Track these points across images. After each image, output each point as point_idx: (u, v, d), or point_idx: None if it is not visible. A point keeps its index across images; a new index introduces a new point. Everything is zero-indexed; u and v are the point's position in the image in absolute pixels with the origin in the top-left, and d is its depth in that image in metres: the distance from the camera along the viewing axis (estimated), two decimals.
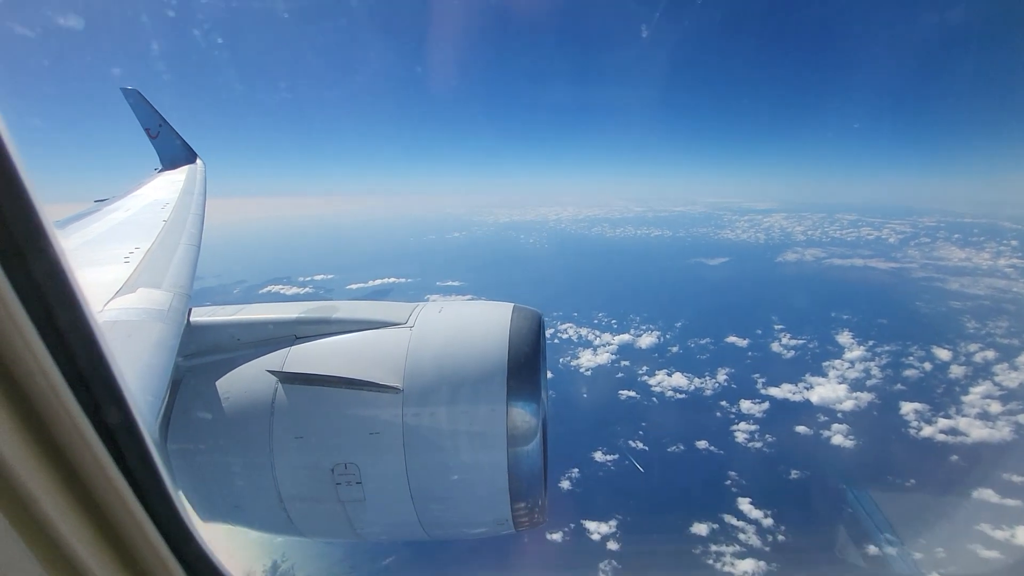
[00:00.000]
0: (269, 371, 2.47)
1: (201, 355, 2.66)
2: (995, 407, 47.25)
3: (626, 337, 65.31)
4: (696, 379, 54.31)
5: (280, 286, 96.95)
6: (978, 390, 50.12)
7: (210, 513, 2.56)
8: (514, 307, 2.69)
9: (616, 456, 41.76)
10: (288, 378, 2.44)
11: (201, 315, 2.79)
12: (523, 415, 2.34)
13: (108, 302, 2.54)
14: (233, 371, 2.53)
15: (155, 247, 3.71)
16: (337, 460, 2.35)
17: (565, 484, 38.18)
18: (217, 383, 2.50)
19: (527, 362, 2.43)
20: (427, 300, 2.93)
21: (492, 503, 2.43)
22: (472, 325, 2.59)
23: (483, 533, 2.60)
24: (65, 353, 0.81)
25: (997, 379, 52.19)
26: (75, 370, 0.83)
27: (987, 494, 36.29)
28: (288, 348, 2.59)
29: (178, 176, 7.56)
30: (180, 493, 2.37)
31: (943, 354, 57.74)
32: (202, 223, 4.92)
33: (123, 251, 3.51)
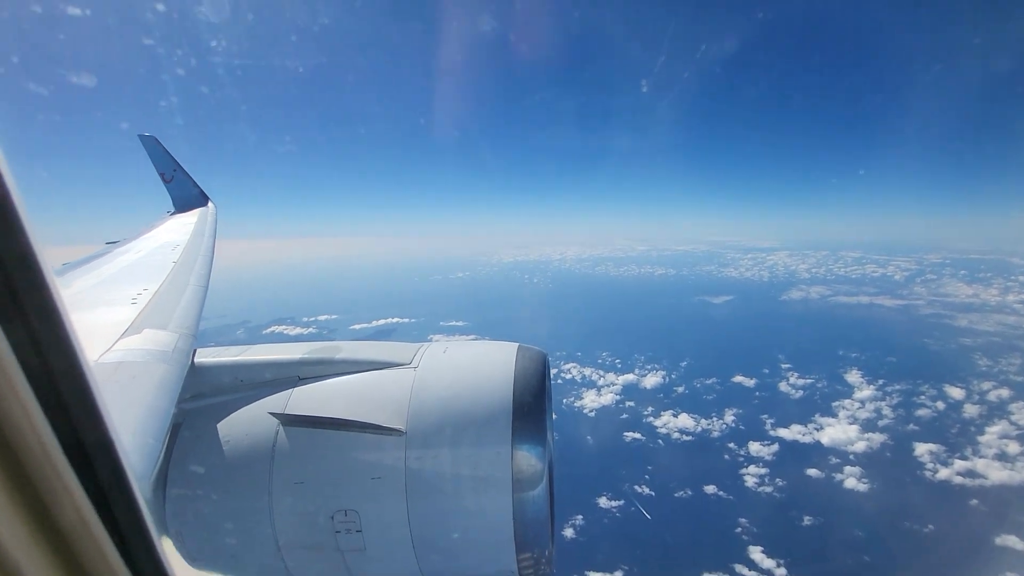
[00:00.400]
0: (271, 413, 2.43)
1: (204, 397, 2.63)
2: (1013, 448, 45.96)
3: (630, 377, 64.52)
4: (703, 420, 53.28)
5: (284, 326, 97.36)
6: (994, 430, 48.88)
7: (207, 561, 2.49)
8: (519, 347, 2.65)
9: (621, 502, 40.57)
10: (290, 420, 2.40)
11: (205, 356, 2.77)
12: (529, 459, 2.27)
13: (115, 343, 2.52)
14: (235, 413, 2.49)
15: (163, 288, 3.70)
16: (337, 507, 2.29)
17: (568, 532, 36.94)
18: (219, 425, 2.46)
19: (532, 403, 2.37)
20: (431, 340, 2.92)
21: (496, 552, 2.33)
22: (476, 365, 2.55)
23: None
24: (53, 396, 0.81)
25: (1014, 418, 50.97)
26: (62, 413, 0.82)
27: (1011, 541, 34.85)
28: (291, 390, 2.56)
29: (190, 219, 7.69)
30: (164, 539, 2.33)
31: (956, 392, 56.67)
32: (211, 264, 4.92)
33: (132, 292, 3.50)
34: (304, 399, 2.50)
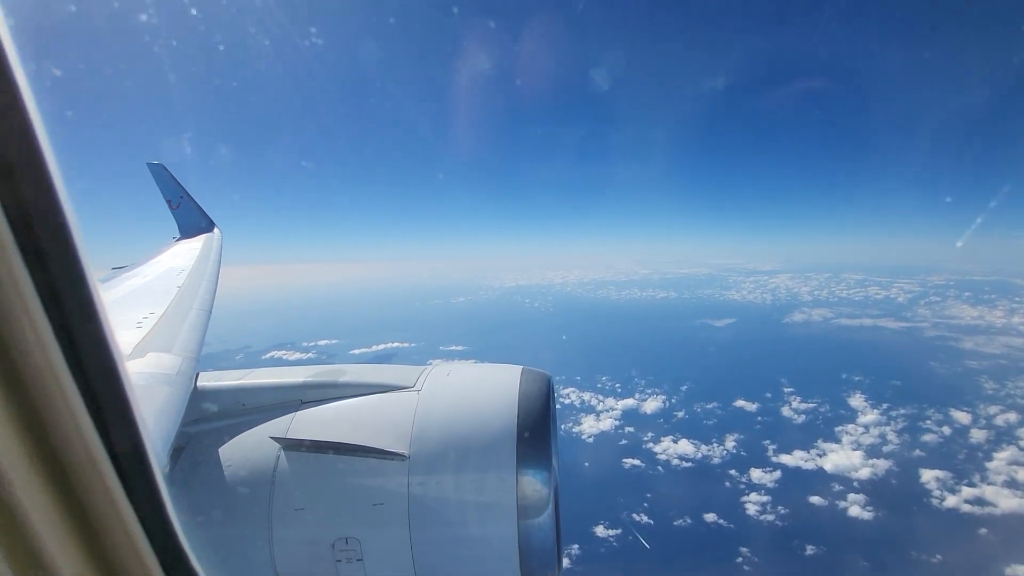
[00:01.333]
0: (272, 438, 2.39)
1: (206, 420, 2.61)
2: (1023, 475, 44.71)
3: (630, 402, 63.76)
4: (703, 446, 52.38)
5: (284, 351, 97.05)
6: (1003, 455, 47.82)
7: None
8: (523, 370, 2.62)
9: (619, 531, 39.56)
10: (291, 445, 2.36)
11: (208, 380, 2.76)
12: (534, 484, 2.22)
13: None
14: (236, 437, 2.46)
15: (168, 312, 3.72)
16: (338, 534, 2.24)
17: (564, 562, 35.76)
18: (220, 450, 2.42)
19: (537, 427, 2.32)
20: (430, 364, 2.94)
21: None
22: (480, 388, 2.52)
23: None
24: (97, 404, 0.85)
25: (1022, 443, 49.81)
26: (105, 421, 0.86)
27: (1023, 572, 33.70)
28: (293, 413, 2.53)
29: (195, 244, 7.77)
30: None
31: (962, 417, 55.67)
32: (215, 290, 4.95)
33: (137, 316, 3.51)
34: (306, 423, 2.47)
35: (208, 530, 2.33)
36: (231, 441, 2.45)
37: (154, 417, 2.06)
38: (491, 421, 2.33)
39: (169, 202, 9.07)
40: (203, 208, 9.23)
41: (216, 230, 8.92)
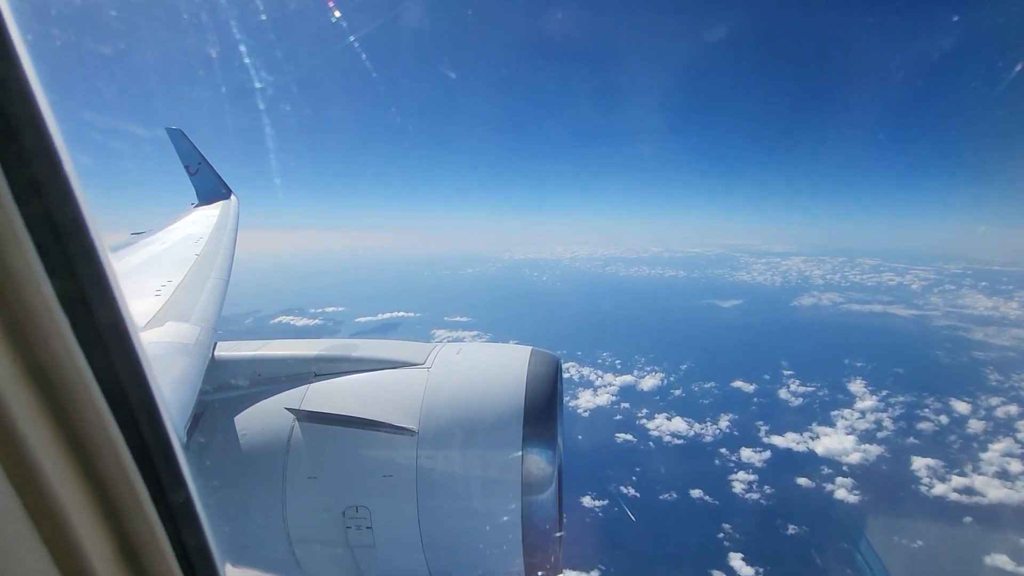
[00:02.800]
0: (287, 409, 2.48)
1: (223, 390, 2.69)
2: (1015, 466, 44.62)
3: (628, 378, 64.10)
4: (696, 424, 52.74)
5: (292, 317, 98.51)
6: (997, 447, 47.49)
7: (218, 552, 2.62)
8: (532, 351, 2.67)
9: (606, 502, 40.37)
10: (305, 416, 2.45)
11: (226, 350, 2.83)
12: (538, 462, 2.29)
13: None
14: (252, 407, 2.55)
15: (186, 281, 3.77)
16: (349, 503, 2.33)
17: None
18: (236, 419, 2.51)
19: (543, 408, 2.39)
20: (434, 335, 2.99)
21: (504, 554, 2.35)
22: (489, 368, 2.58)
23: None
24: (110, 375, 0.83)
25: (1019, 436, 49.49)
26: (120, 394, 0.86)
27: (1001, 560, 33.97)
28: (307, 385, 2.61)
29: (212, 211, 7.84)
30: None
31: (961, 407, 55.15)
32: (232, 259, 5.00)
33: (156, 284, 3.58)
34: (319, 395, 2.55)
35: (223, 494, 2.41)
36: (247, 410, 2.54)
37: (173, 386, 2.12)
38: (499, 400, 2.39)
39: (187, 168, 9.14)
40: (221, 175, 9.30)
41: (233, 197, 8.98)
